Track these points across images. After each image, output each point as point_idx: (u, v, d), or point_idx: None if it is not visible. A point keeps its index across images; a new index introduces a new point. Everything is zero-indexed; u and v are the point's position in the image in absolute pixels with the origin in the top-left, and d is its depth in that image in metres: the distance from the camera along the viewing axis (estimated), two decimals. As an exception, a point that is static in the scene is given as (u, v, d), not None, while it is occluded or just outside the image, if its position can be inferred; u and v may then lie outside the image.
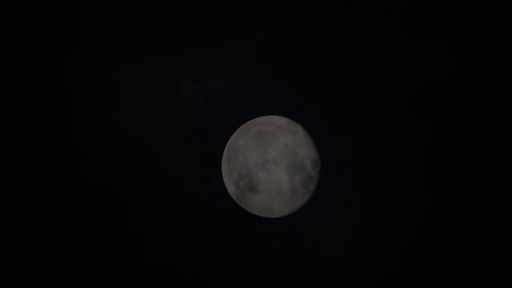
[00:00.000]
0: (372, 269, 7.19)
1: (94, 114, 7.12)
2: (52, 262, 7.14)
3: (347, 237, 7.17)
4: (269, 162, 6.24)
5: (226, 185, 6.74)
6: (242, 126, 6.72)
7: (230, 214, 7.10)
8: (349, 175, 7.13)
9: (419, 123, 7.08)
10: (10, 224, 7.09)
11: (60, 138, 7.13)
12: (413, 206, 7.12)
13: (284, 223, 7.05)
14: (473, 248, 7.00)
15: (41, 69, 7.11)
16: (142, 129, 7.17)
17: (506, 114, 6.93)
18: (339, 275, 7.19)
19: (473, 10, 6.92)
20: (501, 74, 6.94)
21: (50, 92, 7.12)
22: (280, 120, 6.67)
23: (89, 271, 7.16)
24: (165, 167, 7.23)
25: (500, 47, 6.92)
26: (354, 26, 7.15)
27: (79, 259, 7.13)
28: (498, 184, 6.95)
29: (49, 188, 7.12)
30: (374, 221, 7.17)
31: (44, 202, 7.12)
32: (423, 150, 7.10)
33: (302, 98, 7.15)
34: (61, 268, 7.15)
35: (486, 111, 6.99)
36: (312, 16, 7.18)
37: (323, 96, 7.15)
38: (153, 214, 7.24)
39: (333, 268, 7.20)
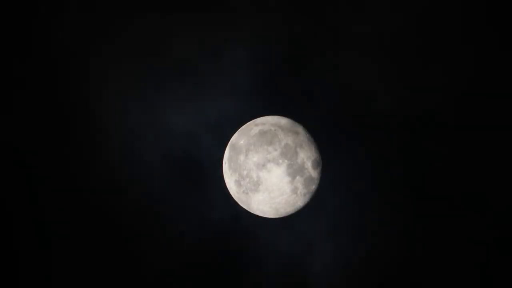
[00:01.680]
0: (372, 269, 7.20)
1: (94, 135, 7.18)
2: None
3: (347, 237, 7.19)
4: (270, 162, 6.23)
5: (227, 185, 6.73)
6: (243, 126, 6.71)
7: (231, 214, 7.10)
8: (349, 175, 7.15)
9: (420, 123, 7.11)
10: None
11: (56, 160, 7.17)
12: (412, 204, 7.14)
13: (285, 223, 7.06)
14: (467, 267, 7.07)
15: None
16: (143, 135, 7.21)
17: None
18: (340, 275, 7.21)
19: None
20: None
21: (48, 117, 7.15)
22: (281, 120, 6.66)
23: (95, 275, 7.19)
24: (166, 168, 7.24)
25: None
26: (354, 26, 7.17)
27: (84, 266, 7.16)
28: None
29: (51, 208, 7.14)
30: (374, 221, 7.19)
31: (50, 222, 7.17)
32: (423, 155, 7.13)
33: (303, 98, 7.16)
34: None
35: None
36: (313, 19, 7.19)
37: (324, 96, 7.16)
38: (154, 214, 7.25)
39: (333, 268, 7.21)
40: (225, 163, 6.67)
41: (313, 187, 6.55)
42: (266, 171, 6.22)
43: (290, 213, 6.67)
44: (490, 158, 7.11)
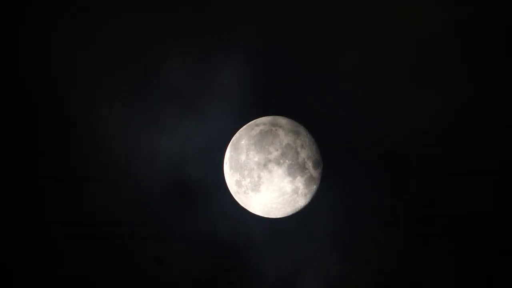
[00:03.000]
0: (371, 268, 7.21)
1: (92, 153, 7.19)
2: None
3: (348, 236, 7.19)
4: (271, 162, 6.23)
5: (228, 185, 6.73)
6: (244, 126, 6.71)
7: (232, 214, 7.10)
8: (350, 176, 7.16)
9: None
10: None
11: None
12: (411, 203, 7.15)
13: (286, 223, 7.06)
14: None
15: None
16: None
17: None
18: (340, 275, 7.21)
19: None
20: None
21: (47, 141, 7.17)
22: (282, 120, 6.66)
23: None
24: (165, 169, 7.24)
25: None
26: (354, 27, 7.18)
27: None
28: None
29: (46, 226, 7.15)
30: (375, 222, 7.20)
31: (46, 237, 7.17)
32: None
33: (304, 98, 7.17)
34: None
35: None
36: (312, 20, 7.20)
37: (324, 96, 7.17)
38: (155, 214, 7.25)
39: (334, 267, 7.21)
40: (226, 163, 6.67)
41: (314, 187, 6.56)
42: (267, 171, 6.23)
43: (291, 213, 6.68)
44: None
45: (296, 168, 6.30)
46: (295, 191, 6.35)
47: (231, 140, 6.72)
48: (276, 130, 6.44)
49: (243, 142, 6.47)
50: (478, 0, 7.00)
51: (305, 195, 6.50)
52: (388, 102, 7.15)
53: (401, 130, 7.13)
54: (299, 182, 6.34)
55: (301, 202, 6.55)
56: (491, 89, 7.05)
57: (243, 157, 6.38)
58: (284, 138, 6.38)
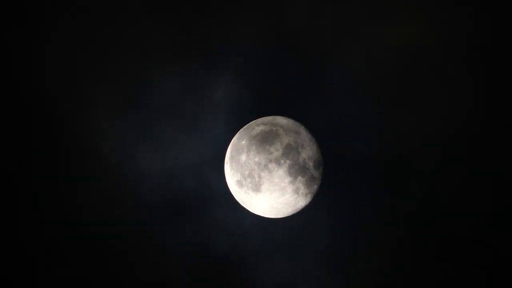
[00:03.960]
0: (371, 268, 7.22)
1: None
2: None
3: (348, 236, 7.20)
4: (272, 163, 6.23)
5: (229, 185, 6.72)
6: (244, 127, 6.70)
7: (232, 214, 7.10)
8: (351, 176, 7.16)
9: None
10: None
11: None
12: (411, 203, 7.16)
13: (287, 223, 7.06)
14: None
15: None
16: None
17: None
18: (341, 275, 7.21)
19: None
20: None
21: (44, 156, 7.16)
22: (282, 121, 6.66)
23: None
24: (166, 170, 7.24)
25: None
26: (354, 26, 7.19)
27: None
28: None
29: (46, 240, 7.14)
30: (375, 222, 7.20)
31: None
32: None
33: (304, 98, 7.17)
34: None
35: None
36: (312, 21, 7.21)
37: (325, 96, 7.17)
38: (156, 217, 7.25)
39: (334, 267, 7.22)
40: (227, 163, 6.67)
41: (315, 187, 6.56)
42: (268, 171, 6.22)
43: (291, 213, 6.67)
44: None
45: (297, 168, 6.29)
46: (296, 191, 6.35)
47: (232, 140, 6.71)
48: (276, 130, 6.44)
49: (243, 142, 6.47)
50: (478, 0, 7.01)
51: (306, 195, 6.49)
52: (388, 102, 7.16)
53: (401, 130, 7.14)
54: (300, 182, 6.33)
55: (301, 202, 6.54)
56: (491, 89, 7.06)
57: (243, 157, 6.37)
58: (285, 138, 6.38)
